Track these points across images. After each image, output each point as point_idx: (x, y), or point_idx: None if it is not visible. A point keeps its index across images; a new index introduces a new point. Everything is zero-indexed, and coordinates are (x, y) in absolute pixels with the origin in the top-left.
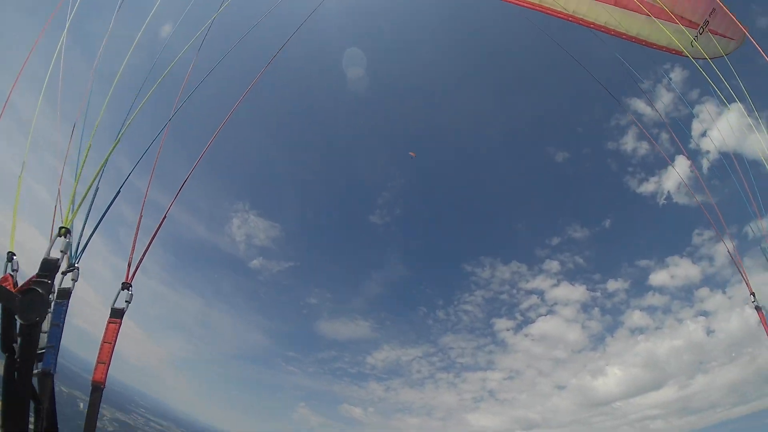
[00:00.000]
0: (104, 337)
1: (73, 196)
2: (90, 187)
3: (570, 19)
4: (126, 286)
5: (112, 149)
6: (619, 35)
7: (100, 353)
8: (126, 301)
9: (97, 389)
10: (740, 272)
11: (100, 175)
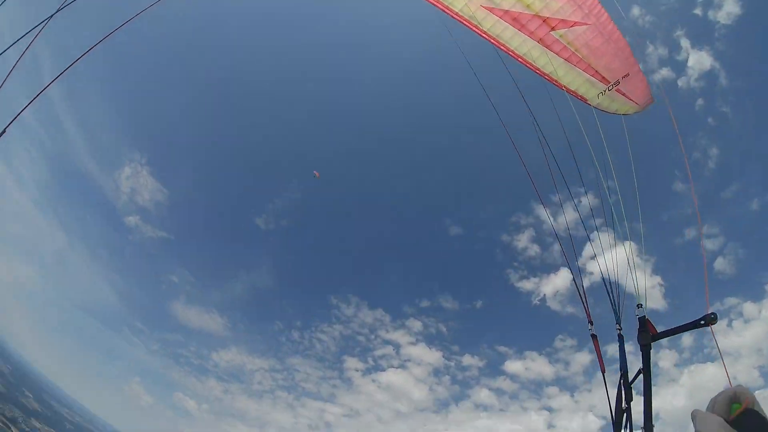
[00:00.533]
0: None
1: None
2: None
3: (492, 41)
4: None
5: None
6: (534, 69)
7: None
8: None
9: None
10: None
11: None
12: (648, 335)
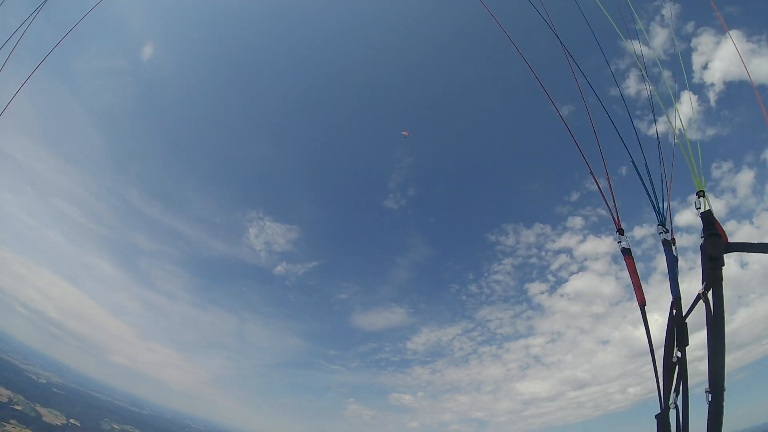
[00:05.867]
0: None
1: None
2: None
3: None
4: None
5: None
6: None
7: None
8: None
9: None
10: None
11: None
12: (721, 242)
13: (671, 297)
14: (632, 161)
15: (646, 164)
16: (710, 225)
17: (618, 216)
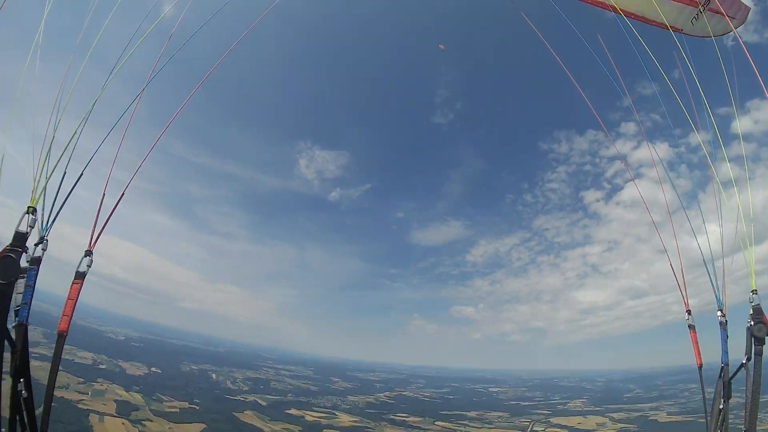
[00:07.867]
0: (69, 295)
1: (37, 180)
2: (53, 170)
3: None
4: (88, 253)
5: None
6: (617, 11)
7: (65, 308)
8: (87, 266)
9: (61, 337)
10: None
11: (60, 159)
12: (765, 328)
13: (722, 363)
14: (705, 266)
15: (713, 264)
16: (758, 314)
17: (687, 298)
